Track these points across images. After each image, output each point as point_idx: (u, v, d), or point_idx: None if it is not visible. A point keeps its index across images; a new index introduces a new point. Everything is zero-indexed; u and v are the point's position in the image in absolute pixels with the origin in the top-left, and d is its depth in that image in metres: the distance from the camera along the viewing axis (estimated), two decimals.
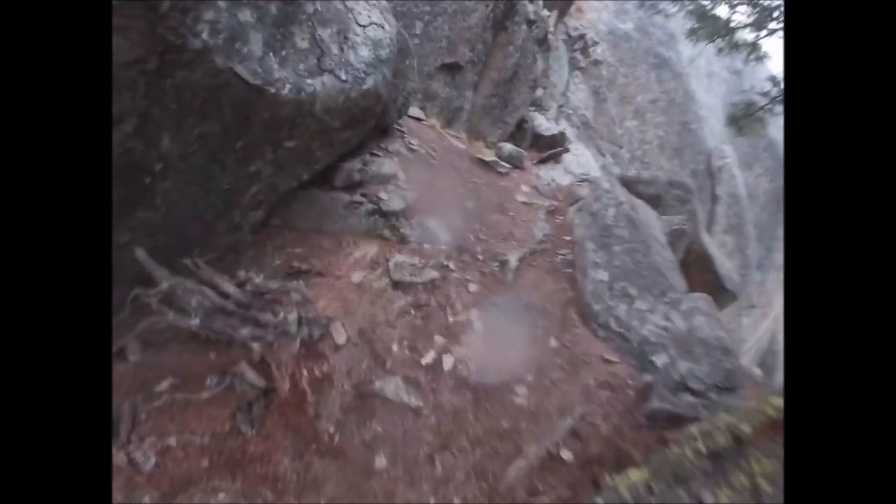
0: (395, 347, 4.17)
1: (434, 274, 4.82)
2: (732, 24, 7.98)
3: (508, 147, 9.26)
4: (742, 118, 7.67)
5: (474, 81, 9.25)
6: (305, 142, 4.09)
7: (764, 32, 7.84)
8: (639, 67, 13.95)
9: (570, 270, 6.14)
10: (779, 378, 17.42)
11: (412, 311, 4.47)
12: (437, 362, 4.20)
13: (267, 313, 3.63)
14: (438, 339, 4.37)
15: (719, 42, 8.19)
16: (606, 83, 13.39)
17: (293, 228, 4.91)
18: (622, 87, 13.60)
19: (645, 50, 14.11)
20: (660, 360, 5.25)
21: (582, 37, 12.69)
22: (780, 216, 16.21)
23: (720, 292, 12.19)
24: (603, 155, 12.52)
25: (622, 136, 13.31)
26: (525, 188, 8.29)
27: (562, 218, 7.71)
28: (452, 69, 8.84)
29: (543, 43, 10.82)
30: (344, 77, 4.05)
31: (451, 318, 4.58)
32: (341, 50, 4.14)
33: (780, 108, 8.13)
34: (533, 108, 11.19)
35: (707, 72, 15.42)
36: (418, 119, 7.90)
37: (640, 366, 5.10)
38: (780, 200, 16.16)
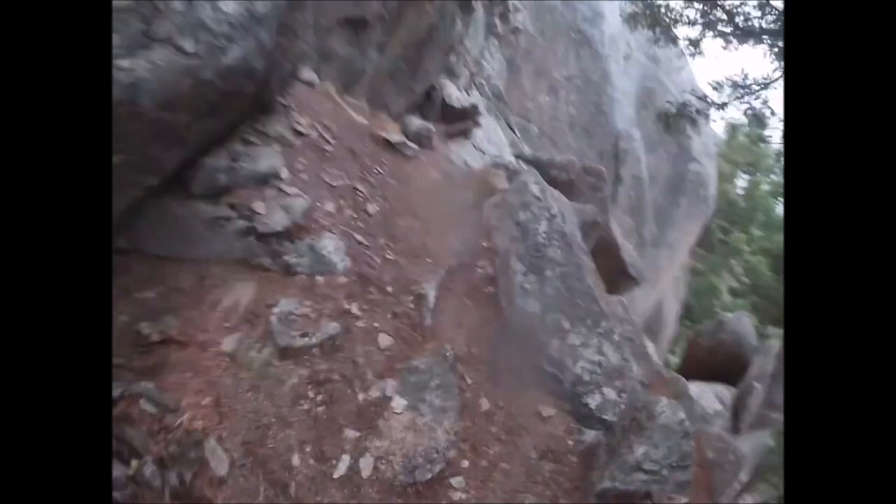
0: (296, 460, 3.05)
1: (333, 327, 3.65)
2: (680, 19, 7.39)
3: (416, 123, 8.06)
4: (674, 118, 7.16)
5: (381, 42, 7.87)
6: (138, 151, 2.69)
7: (712, 34, 7.34)
8: (559, 41, 13.17)
9: (491, 289, 5.28)
10: (664, 338, 18.55)
11: (310, 394, 3.32)
12: (354, 470, 3.16)
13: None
14: (350, 434, 3.34)
15: (658, 32, 7.55)
16: (523, 54, 12.52)
17: (143, 256, 3.52)
18: (539, 61, 12.78)
19: (568, 24, 13.34)
20: (593, 401, 4.78)
21: (504, 0, 11.53)
22: (677, 198, 16.57)
23: (624, 278, 12.06)
24: (512, 129, 11.69)
25: (533, 112, 12.54)
26: (435, 175, 7.18)
27: (477, 216, 6.73)
28: (356, 25, 7.42)
29: (467, 6, 9.54)
30: (190, 48, 2.65)
31: (361, 397, 3.50)
32: (189, 3, 2.72)
33: (715, 114, 7.83)
34: (445, 76, 9.97)
35: (625, 54, 14.96)
36: (309, 84, 6.46)
37: (574, 411, 4.59)
38: (677, 184, 16.43)
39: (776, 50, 7.09)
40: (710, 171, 17.35)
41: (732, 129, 24.12)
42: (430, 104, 9.56)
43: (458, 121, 9.70)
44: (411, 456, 3.38)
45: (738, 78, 8.28)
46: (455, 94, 9.83)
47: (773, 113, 8.23)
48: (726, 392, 13.43)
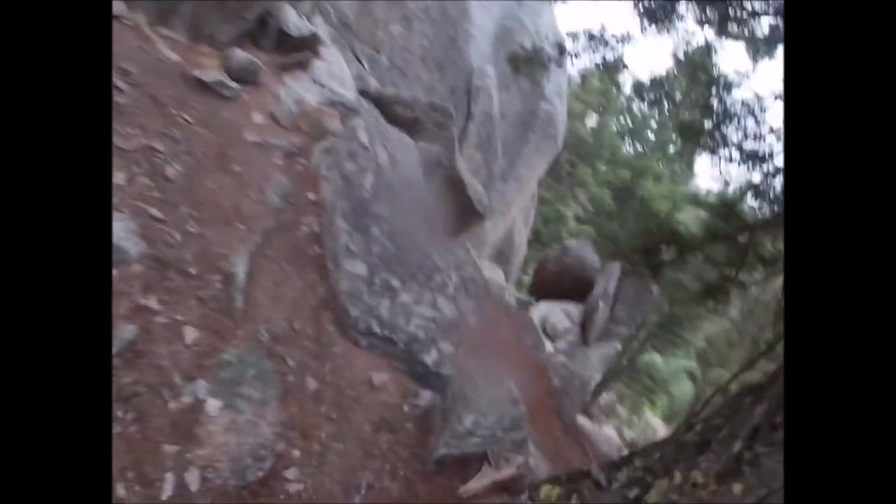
0: (120, 490, 2.89)
1: (130, 331, 3.38)
2: None
3: (241, 56, 7.53)
4: (525, 62, 7.28)
5: None
6: None
7: None
8: None
9: (318, 250, 5.18)
10: (516, 262, 19.95)
11: (118, 414, 3.10)
12: (182, 486, 3.04)
13: None
14: (169, 450, 3.17)
15: None
16: None
17: None
18: None
19: None
20: (430, 357, 4.88)
21: None
22: (527, 134, 17.15)
23: (472, 214, 12.52)
24: (360, 61, 11.25)
25: (384, 42, 12.11)
26: (259, 118, 6.82)
27: (305, 163, 6.53)
28: None
29: None
30: None
31: (173, 406, 3.32)
32: None
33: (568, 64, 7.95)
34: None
35: None
36: (116, 17, 5.73)
37: (410, 371, 4.70)
38: (528, 121, 16.99)
39: (641, 8, 7.17)
40: (561, 110, 18.09)
41: (586, 73, 25.27)
42: (264, 32, 8.89)
43: (296, 51, 9.14)
44: (237, 458, 3.29)
45: (595, 32, 8.54)
46: (294, 20, 9.20)
47: (625, 66, 8.62)
48: (574, 310, 14.79)
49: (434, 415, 4.53)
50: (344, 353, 4.48)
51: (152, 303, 3.65)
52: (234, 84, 6.66)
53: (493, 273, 15.99)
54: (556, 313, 14.47)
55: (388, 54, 12.16)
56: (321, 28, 10.37)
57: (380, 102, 9.61)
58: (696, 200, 13.73)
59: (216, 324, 3.89)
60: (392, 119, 9.44)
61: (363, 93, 9.71)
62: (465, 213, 12.45)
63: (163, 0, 6.93)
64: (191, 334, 3.73)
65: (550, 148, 18.46)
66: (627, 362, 19.10)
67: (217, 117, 5.80)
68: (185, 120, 5.20)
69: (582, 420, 10.62)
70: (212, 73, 6.40)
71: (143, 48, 5.70)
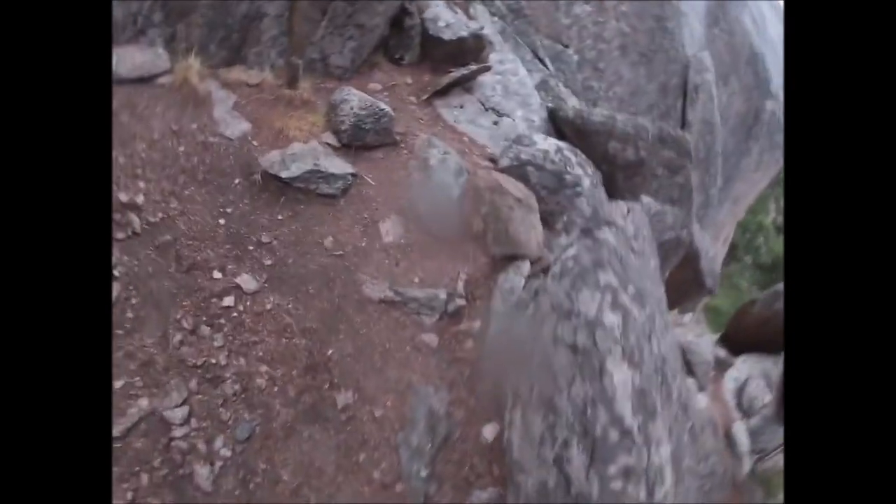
0: None
1: None
2: None
3: (358, 103, 4.25)
4: None
5: None
6: None
7: None
8: None
9: None
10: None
11: None
12: None
13: None
14: None
15: None
16: None
17: None
18: None
19: None
20: None
21: None
22: (748, 144, 12.72)
23: (697, 289, 8.63)
24: (541, 61, 7.69)
25: (570, 30, 8.42)
26: (387, 228, 3.61)
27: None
28: None
29: None
30: None
31: None
32: None
33: None
34: None
35: None
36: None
37: None
38: (750, 125, 12.45)
39: None
40: None
41: None
42: (402, 39, 5.61)
43: (452, 61, 5.77)
44: None
45: None
46: (445, 15, 5.82)
47: None
48: (774, 369, 10.59)
49: None
50: None
51: None
52: (345, 161, 3.45)
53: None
54: (756, 381, 10.24)
55: (577, 46, 8.44)
56: (484, 20, 6.92)
57: (582, 133, 5.94)
58: None
59: None
60: (604, 167, 5.78)
61: (556, 117, 6.10)
62: (690, 287, 8.55)
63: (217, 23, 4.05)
64: None
65: (775, 160, 13.59)
66: None
67: (297, 254, 2.76)
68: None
69: None
70: (299, 151, 3.27)
71: (181, 114, 2.85)
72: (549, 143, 4.84)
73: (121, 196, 3.40)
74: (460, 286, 3.76)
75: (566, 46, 8.27)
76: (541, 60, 7.52)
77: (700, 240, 7.55)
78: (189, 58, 4.52)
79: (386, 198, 3.83)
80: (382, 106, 4.19)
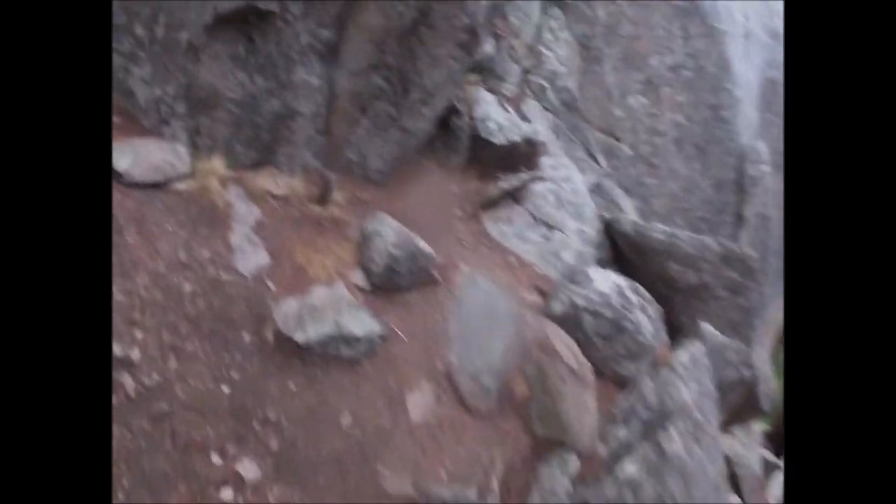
0: None
1: None
2: None
3: (394, 239, 3.68)
4: None
5: (331, 44, 3.68)
6: None
7: None
8: (656, 12, 8.44)
9: None
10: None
11: None
12: None
13: None
14: None
15: None
16: (603, 32, 7.93)
17: None
18: (627, 42, 8.17)
19: None
20: None
21: None
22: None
23: (750, 412, 7.85)
24: (594, 157, 7.15)
25: (622, 122, 7.91)
26: (415, 402, 3.10)
27: None
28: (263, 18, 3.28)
29: None
30: None
31: None
32: None
33: None
34: (476, 80, 5.45)
35: (744, 31, 10.01)
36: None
37: None
38: None
39: None
40: None
41: None
42: (451, 140, 5.09)
43: (504, 166, 5.24)
44: None
45: None
46: (496, 116, 5.31)
47: None
48: None
49: None
50: None
51: None
52: (368, 330, 2.83)
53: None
54: None
55: (631, 140, 7.91)
56: (535, 116, 6.41)
57: (639, 250, 5.28)
58: None
59: None
60: (662, 291, 5.08)
61: (612, 230, 5.46)
62: (744, 411, 7.69)
63: (251, 123, 3.57)
64: None
65: None
66: None
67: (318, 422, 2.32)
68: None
69: None
70: (319, 302, 2.67)
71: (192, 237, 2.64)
72: (607, 283, 4.20)
73: (115, 349, 2.82)
74: (494, 482, 3.08)
75: (618, 140, 7.74)
76: (593, 157, 6.97)
77: (760, 366, 6.72)
78: (212, 159, 4.06)
79: (418, 357, 3.25)
80: (421, 245, 3.63)
